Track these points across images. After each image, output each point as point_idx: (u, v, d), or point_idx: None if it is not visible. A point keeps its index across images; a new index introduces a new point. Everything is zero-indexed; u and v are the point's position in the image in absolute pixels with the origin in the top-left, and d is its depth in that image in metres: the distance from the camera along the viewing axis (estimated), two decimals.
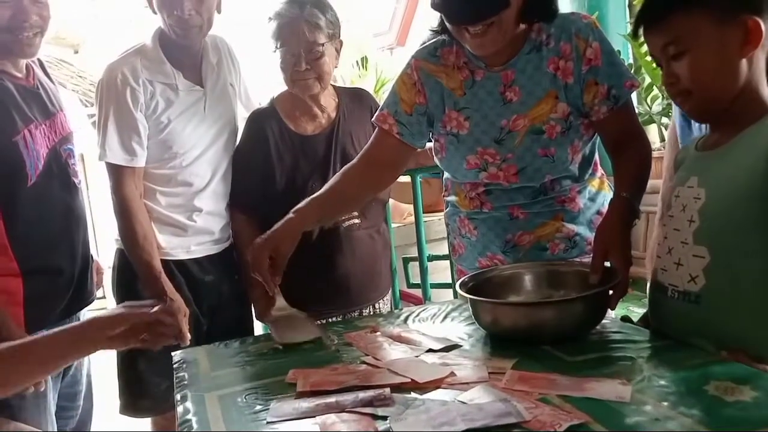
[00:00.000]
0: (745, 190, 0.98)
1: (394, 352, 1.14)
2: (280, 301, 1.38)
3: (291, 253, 1.37)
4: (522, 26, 1.31)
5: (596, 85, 1.32)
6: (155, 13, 1.66)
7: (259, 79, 2.11)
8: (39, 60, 1.63)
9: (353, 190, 1.48)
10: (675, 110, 1.48)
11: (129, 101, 1.61)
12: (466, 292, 1.19)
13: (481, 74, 1.37)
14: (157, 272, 1.64)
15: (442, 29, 1.38)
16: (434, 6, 1.30)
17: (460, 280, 1.28)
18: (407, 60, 1.46)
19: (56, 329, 1.09)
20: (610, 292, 1.16)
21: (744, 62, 1.01)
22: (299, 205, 1.41)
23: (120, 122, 1.62)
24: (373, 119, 1.49)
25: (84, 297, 1.64)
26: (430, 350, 1.13)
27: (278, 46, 1.65)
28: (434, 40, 1.42)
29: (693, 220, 1.05)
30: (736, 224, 1.00)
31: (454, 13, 1.27)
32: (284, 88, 1.79)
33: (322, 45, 1.64)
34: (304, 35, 1.62)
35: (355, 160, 1.50)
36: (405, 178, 2.56)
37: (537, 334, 1.11)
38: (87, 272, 1.65)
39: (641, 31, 1.09)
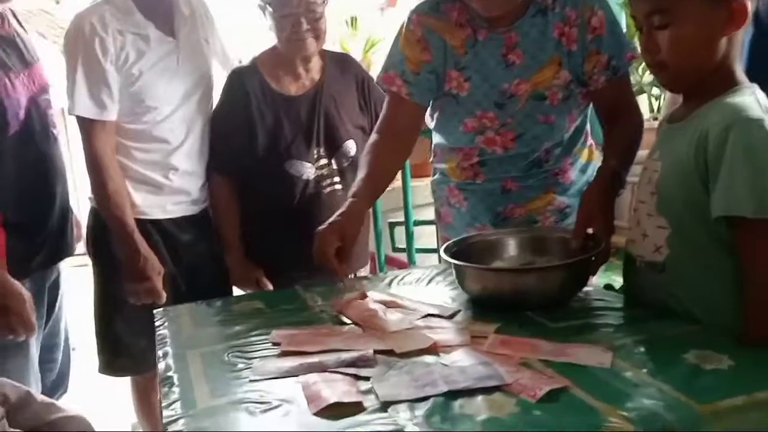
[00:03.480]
0: (688, 164, 0.98)
1: (390, 320, 1.10)
2: (348, 288, 1.30)
3: (357, 235, 1.30)
4: None
5: (598, 54, 1.30)
6: None
7: (235, 38, 2.05)
8: (11, 10, 1.57)
9: (388, 164, 1.41)
10: None
11: (98, 52, 1.55)
12: (450, 257, 1.19)
13: (484, 34, 1.34)
14: (129, 229, 1.61)
15: None
16: None
17: (444, 245, 1.28)
18: (407, 15, 1.41)
19: None
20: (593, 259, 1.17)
21: (724, 40, 1.00)
22: (354, 188, 1.35)
23: (89, 74, 1.56)
24: (378, 80, 1.45)
25: (63, 248, 1.62)
26: (429, 315, 1.11)
27: (275, 6, 1.59)
28: None
29: (654, 192, 1.06)
30: (685, 196, 1.00)
31: None
32: (261, 47, 1.73)
33: (322, 4, 1.61)
34: None
35: (375, 134, 1.43)
36: None
37: (520, 300, 1.11)
38: (66, 224, 1.63)
39: None
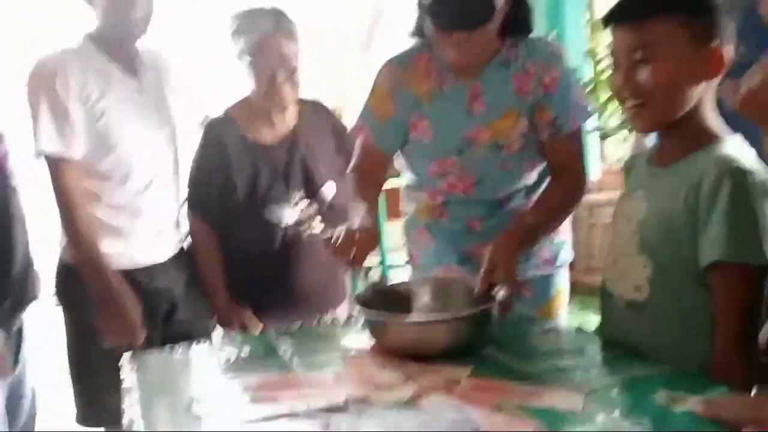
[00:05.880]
0: (678, 210, 1.00)
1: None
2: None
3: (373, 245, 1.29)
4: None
5: (544, 110, 1.35)
6: (90, 4, 1.61)
7: (203, 88, 2.07)
8: None
9: (370, 187, 1.43)
10: None
11: (60, 90, 1.55)
12: (363, 303, 1.18)
13: (450, 84, 1.38)
14: (103, 263, 1.57)
15: (419, 33, 1.38)
16: (421, 8, 1.30)
17: (359, 291, 1.27)
18: (379, 68, 1.46)
19: None
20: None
21: (702, 86, 1.02)
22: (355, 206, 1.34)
23: (52, 111, 1.55)
24: (351, 130, 1.50)
25: (26, 297, 1.57)
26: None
27: (252, 61, 1.61)
28: (408, 48, 1.43)
29: (635, 231, 1.07)
30: (671, 240, 1.01)
31: (442, 18, 1.28)
32: (229, 96, 1.75)
33: (296, 57, 1.64)
34: (281, 49, 1.60)
35: (349, 174, 1.47)
36: None
37: (422, 350, 1.09)
38: (29, 273, 1.58)
39: (610, 26, 1.06)
